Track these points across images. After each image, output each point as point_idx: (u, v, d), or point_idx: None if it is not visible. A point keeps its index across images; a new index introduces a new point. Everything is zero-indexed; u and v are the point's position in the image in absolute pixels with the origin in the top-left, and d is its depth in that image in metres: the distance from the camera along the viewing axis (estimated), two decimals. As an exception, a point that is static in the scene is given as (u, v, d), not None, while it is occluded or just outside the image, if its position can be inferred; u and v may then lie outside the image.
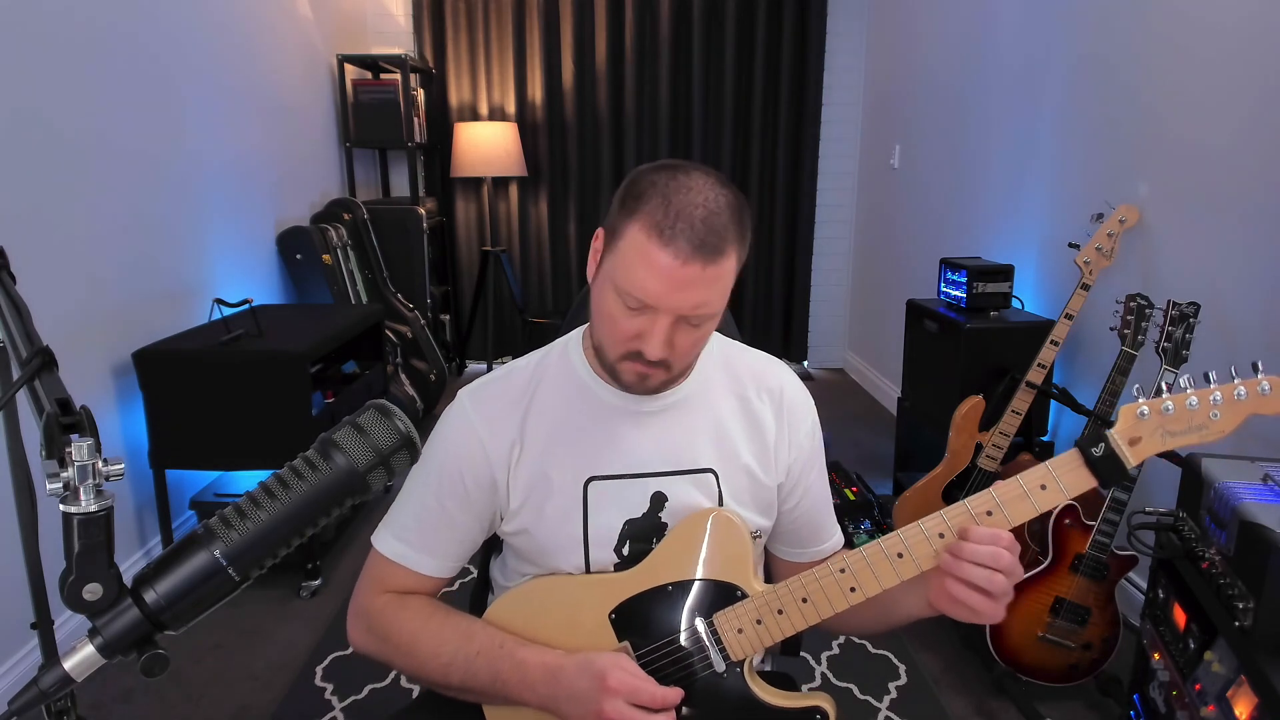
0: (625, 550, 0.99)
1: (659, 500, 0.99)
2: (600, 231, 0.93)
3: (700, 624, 0.94)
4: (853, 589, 0.90)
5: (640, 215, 0.85)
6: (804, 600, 0.92)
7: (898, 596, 0.94)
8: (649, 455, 0.99)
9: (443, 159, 4.50)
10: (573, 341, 1.04)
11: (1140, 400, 0.86)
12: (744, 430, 1.03)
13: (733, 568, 0.96)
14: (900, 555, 0.89)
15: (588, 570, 0.99)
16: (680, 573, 0.96)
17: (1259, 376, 0.86)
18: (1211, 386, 0.86)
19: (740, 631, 0.93)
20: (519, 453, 0.98)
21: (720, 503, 1.01)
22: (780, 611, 0.93)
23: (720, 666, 0.94)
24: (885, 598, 0.92)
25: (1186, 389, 0.86)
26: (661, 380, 0.94)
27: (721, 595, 0.95)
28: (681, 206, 0.84)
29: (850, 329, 4.88)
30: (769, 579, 1.11)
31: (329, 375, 2.97)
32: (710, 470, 1.00)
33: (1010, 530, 0.87)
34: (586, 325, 1.04)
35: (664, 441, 1.00)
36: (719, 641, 0.94)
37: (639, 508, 0.99)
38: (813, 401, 1.09)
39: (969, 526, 0.86)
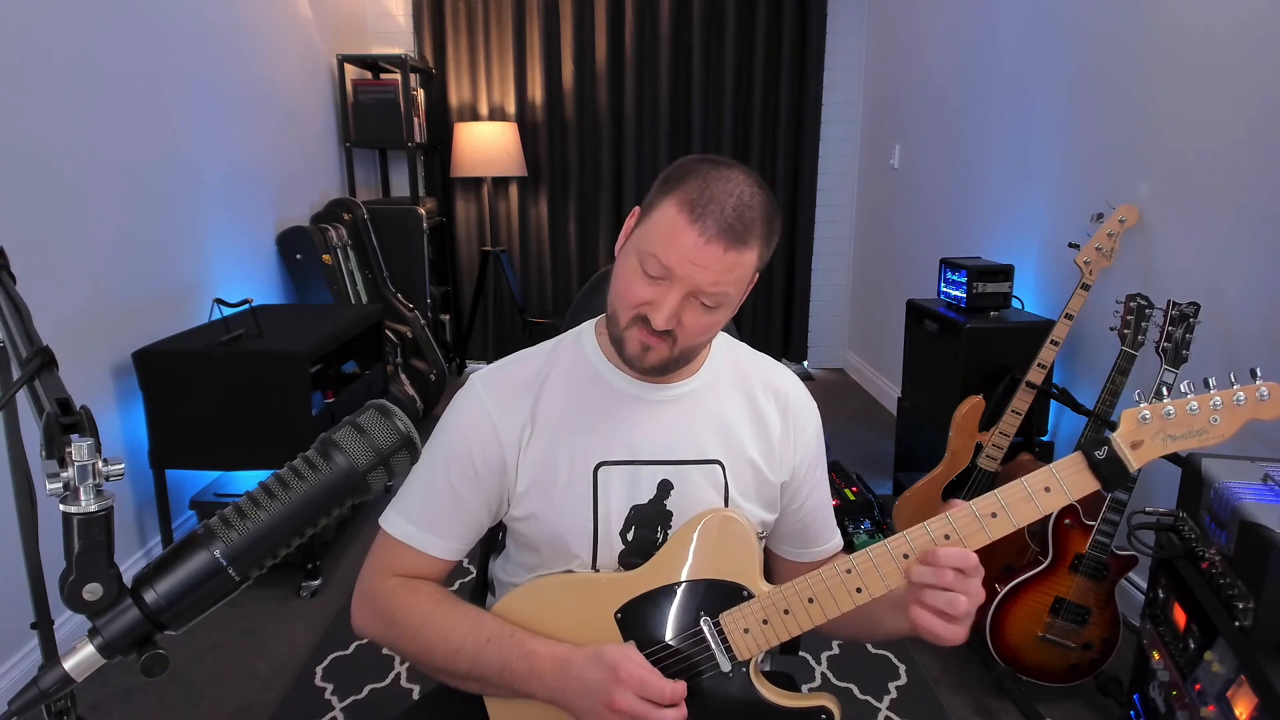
0: (630, 535, 0.99)
1: (665, 488, 1.00)
2: (636, 210, 0.96)
3: (706, 624, 0.94)
4: (859, 589, 0.91)
5: (677, 193, 0.89)
6: (810, 600, 0.92)
7: (882, 615, 0.95)
8: (658, 443, 1.00)
9: (443, 159, 4.50)
10: (586, 329, 1.06)
11: (1142, 404, 0.86)
12: (750, 427, 1.04)
13: (739, 568, 0.96)
14: (906, 556, 0.89)
15: (594, 554, 0.99)
16: (686, 572, 0.96)
17: (1257, 383, 0.86)
18: (1211, 391, 0.86)
19: (746, 631, 0.94)
20: (529, 435, 0.98)
21: (726, 494, 1.01)
22: (787, 612, 0.93)
23: (726, 666, 0.94)
24: (870, 614, 0.93)
25: (1187, 394, 0.87)
26: (664, 359, 0.94)
27: (727, 595, 0.95)
28: (716, 192, 0.88)
29: (850, 329, 4.88)
30: (768, 578, 1.12)
31: (329, 375, 2.97)
32: (717, 462, 1.01)
33: (1012, 530, 0.88)
34: (601, 316, 1.06)
35: (673, 431, 1.01)
36: (725, 641, 0.94)
37: (646, 494, 1.00)
38: (816, 406, 1.11)
39: (935, 550, 0.87)
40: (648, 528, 1.00)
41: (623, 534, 0.99)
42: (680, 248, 0.87)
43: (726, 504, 1.01)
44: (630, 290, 0.92)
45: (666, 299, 0.89)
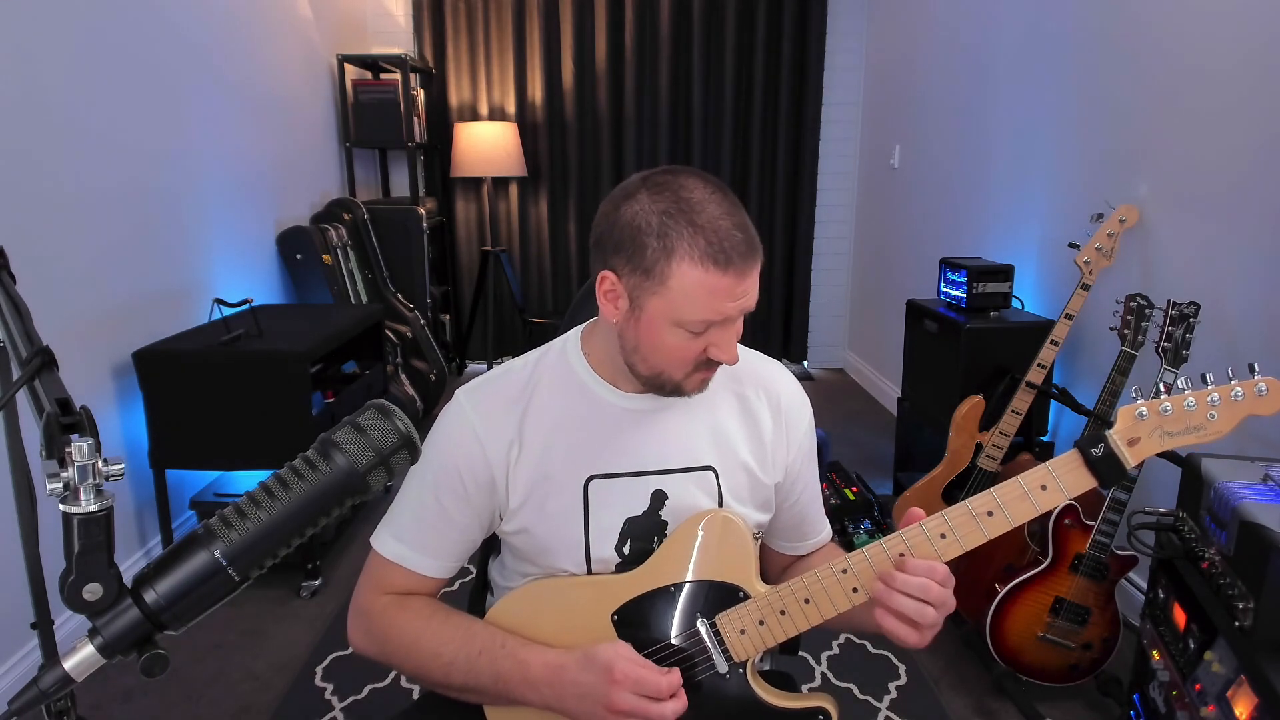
0: (626, 549, 0.99)
1: (659, 498, 0.99)
2: (608, 275, 0.91)
3: (702, 625, 0.94)
4: (855, 589, 0.91)
5: (680, 252, 0.85)
6: (806, 601, 0.92)
7: (858, 611, 0.95)
8: (649, 453, 0.99)
9: (443, 159, 4.50)
10: (570, 342, 1.04)
11: (1139, 401, 0.86)
12: (742, 429, 1.04)
13: (735, 569, 0.96)
14: (903, 555, 0.89)
15: (588, 568, 0.99)
16: (682, 574, 0.96)
17: (1255, 378, 0.86)
18: (1209, 388, 0.86)
19: (743, 632, 0.94)
20: (518, 452, 0.97)
21: (720, 500, 1.01)
22: (783, 612, 0.93)
23: (723, 667, 0.94)
24: (851, 610, 0.93)
25: (1184, 390, 0.86)
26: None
27: (724, 596, 0.95)
28: (712, 224, 0.85)
29: (850, 329, 4.88)
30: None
31: (329, 375, 2.96)
32: (710, 468, 1.01)
33: (1013, 528, 0.88)
34: (584, 326, 1.05)
35: (664, 440, 1.00)
36: (721, 642, 0.94)
37: (639, 506, 0.99)
38: (809, 401, 1.11)
39: (906, 559, 0.87)
40: (644, 539, 0.99)
41: (619, 547, 0.99)
42: (728, 296, 0.86)
43: (720, 508, 1.01)
44: (684, 353, 0.90)
45: (729, 337, 0.91)
